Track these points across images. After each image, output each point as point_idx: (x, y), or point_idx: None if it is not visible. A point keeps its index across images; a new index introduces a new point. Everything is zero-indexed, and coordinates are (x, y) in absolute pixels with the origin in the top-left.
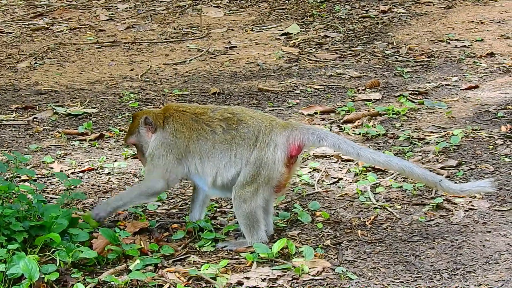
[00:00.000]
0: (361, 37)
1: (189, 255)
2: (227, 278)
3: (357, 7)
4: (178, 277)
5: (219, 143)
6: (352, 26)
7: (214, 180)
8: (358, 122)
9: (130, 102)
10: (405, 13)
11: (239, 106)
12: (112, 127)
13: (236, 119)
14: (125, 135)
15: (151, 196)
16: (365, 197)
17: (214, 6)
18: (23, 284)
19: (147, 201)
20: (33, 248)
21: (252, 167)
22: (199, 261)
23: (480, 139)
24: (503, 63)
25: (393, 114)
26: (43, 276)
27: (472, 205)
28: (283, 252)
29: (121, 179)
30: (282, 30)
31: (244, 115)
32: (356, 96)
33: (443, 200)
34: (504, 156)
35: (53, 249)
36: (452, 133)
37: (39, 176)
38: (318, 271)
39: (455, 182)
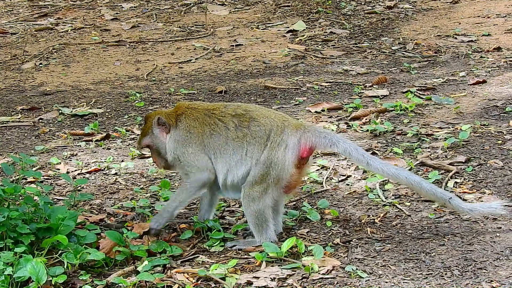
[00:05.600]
0: (368, 33)
1: (198, 255)
2: (236, 278)
3: (362, 3)
4: (187, 278)
5: (232, 139)
6: (358, 22)
7: (225, 178)
8: (366, 119)
9: (136, 101)
10: (411, 8)
11: (251, 104)
12: (119, 127)
13: (248, 116)
14: (138, 138)
15: (201, 189)
16: (374, 194)
17: (219, 4)
18: (30, 287)
19: (199, 194)
20: (40, 250)
21: (262, 166)
22: (207, 261)
23: (489, 134)
24: (511, 57)
25: (400, 110)
26: (50, 278)
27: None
28: (292, 251)
29: (128, 180)
30: (288, 27)
31: (257, 113)
32: (363, 92)
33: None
34: None
35: (60, 251)
36: (461, 129)
37: (45, 177)
38: (328, 270)
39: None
